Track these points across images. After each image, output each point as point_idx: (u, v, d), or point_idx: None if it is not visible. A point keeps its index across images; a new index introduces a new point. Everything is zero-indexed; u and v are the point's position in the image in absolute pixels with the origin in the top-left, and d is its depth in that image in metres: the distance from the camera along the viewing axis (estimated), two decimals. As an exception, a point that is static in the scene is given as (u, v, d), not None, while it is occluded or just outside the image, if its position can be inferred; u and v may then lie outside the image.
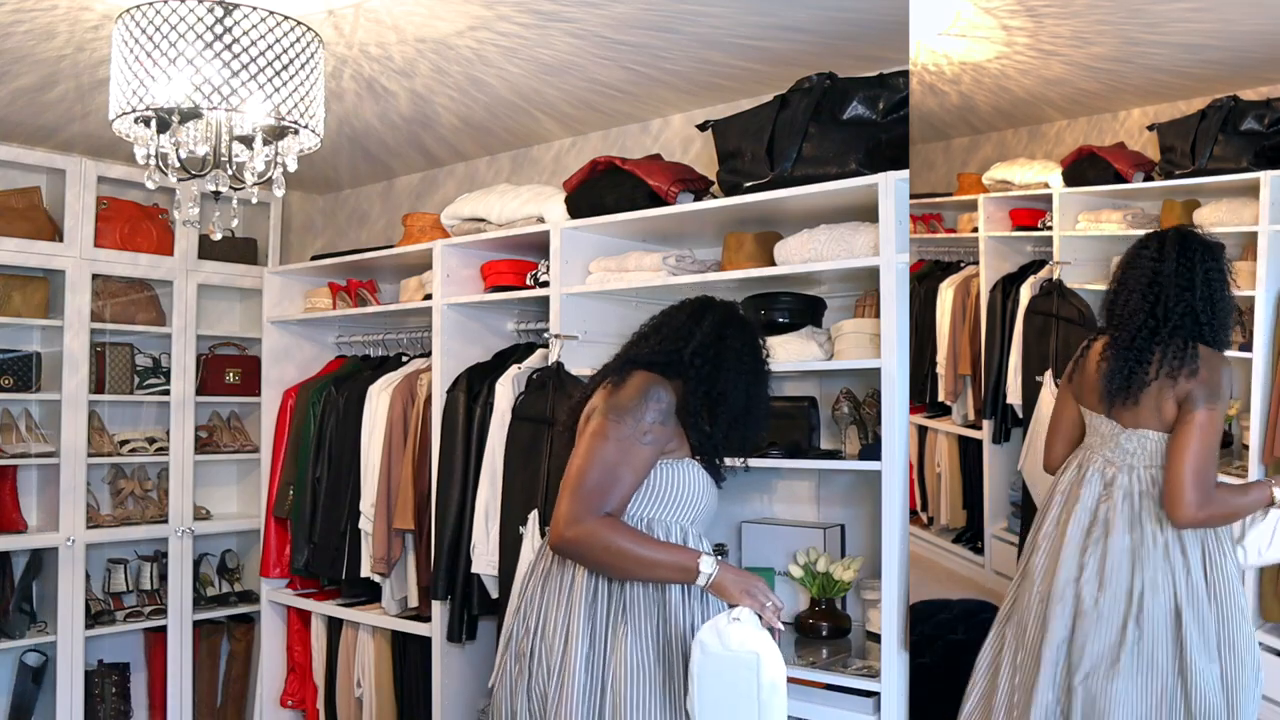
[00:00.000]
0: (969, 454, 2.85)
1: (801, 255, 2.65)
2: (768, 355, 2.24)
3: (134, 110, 2.23)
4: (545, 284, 3.05)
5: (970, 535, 2.84)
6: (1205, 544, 1.97)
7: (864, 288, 2.81)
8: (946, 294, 2.87)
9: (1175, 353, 1.92)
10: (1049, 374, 2.53)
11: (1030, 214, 2.70)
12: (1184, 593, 1.92)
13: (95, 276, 3.77)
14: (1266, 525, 1.98)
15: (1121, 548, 1.97)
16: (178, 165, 2.34)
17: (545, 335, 3.00)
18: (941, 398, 2.88)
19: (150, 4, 2.20)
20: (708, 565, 1.91)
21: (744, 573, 1.97)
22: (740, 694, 1.81)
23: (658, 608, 1.98)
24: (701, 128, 2.89)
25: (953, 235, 2.90)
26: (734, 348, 2.13)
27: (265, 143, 2.36)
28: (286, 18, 2.28)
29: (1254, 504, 1.97)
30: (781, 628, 1.92)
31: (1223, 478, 2.08)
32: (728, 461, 2.17)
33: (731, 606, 1.89)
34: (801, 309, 2.80)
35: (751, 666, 1.81)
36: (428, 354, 3.42)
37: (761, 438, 2.28)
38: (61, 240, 3.68)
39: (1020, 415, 2.65)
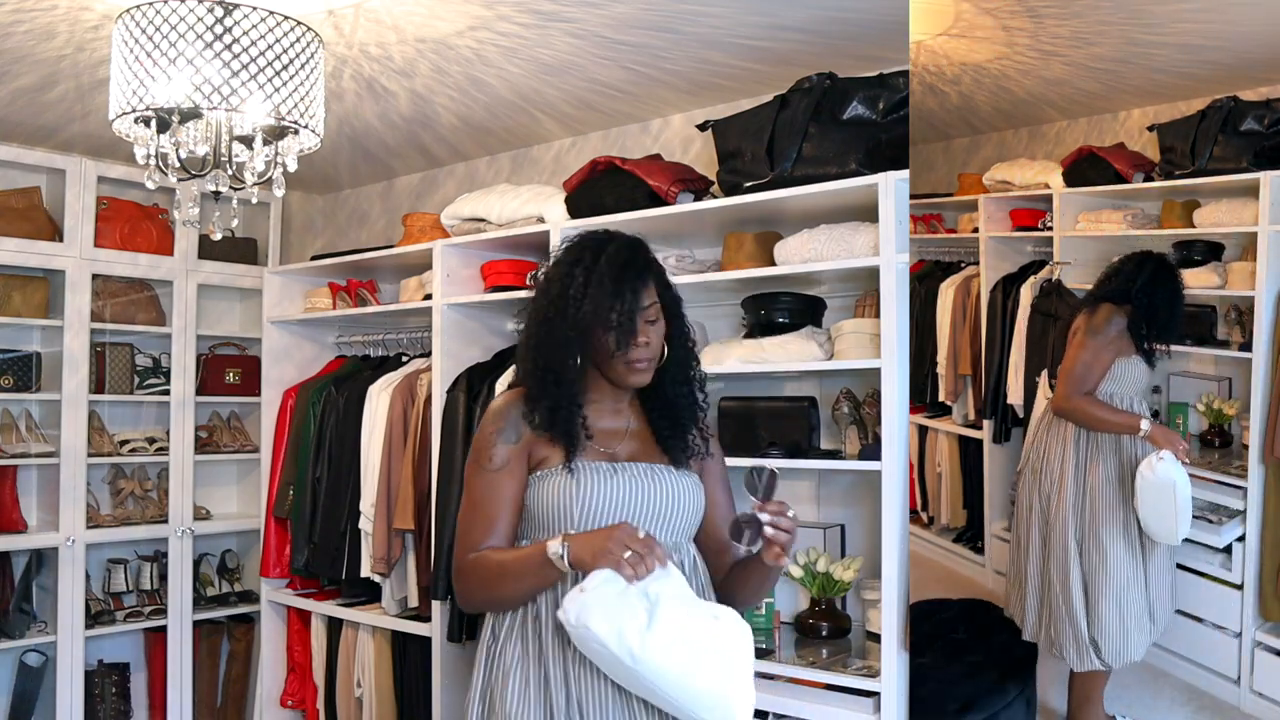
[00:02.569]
0: (969, 454, 2.85)
1: (801, 255, 2.65)
2: (594, 280, 1.73)
3: (134, 110, 2.23)
4: (545, 284, 3.04)
5: (970, 535, 2.84)
6: (1102, 440, 2.42)
7: (864, 288, 2.81)
8: (946, 294, 2.87)
9: (1090, 307, 2.44)
10: (1047, 374, 2.54)
11: (1030, 214, 2.70)
12: (1082, 479, 2.42)
13: (95, 276, 3.76)
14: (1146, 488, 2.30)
15: (1050, 439, 2.51)
16: (178, 165, 2.33)
17: (545, 335, 3.00)
18: (942, 398, 2.88)
19: (150, 4, 2.20)
20: (555, 546, 1.62)
21: (597, 533, 1.63)
22: (613, 671, 1.59)
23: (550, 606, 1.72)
24: (701, 128, 2.89)
25: (953, 235, 2.90)
26: (538, 298, 1.80)
27: (265, 143, 2.36)
28: (286, 18, 2.28)
29: (1115, 422, 2.38)
30: (638, 580, 1.53)
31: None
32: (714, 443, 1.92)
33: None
34: (801, 309, 2.79)
35: (592, 641, 1.54)
36: (428, 354, 3.42)
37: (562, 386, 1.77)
38: (61, 240, 3.68)
39: (1020, 415, 2.66)
